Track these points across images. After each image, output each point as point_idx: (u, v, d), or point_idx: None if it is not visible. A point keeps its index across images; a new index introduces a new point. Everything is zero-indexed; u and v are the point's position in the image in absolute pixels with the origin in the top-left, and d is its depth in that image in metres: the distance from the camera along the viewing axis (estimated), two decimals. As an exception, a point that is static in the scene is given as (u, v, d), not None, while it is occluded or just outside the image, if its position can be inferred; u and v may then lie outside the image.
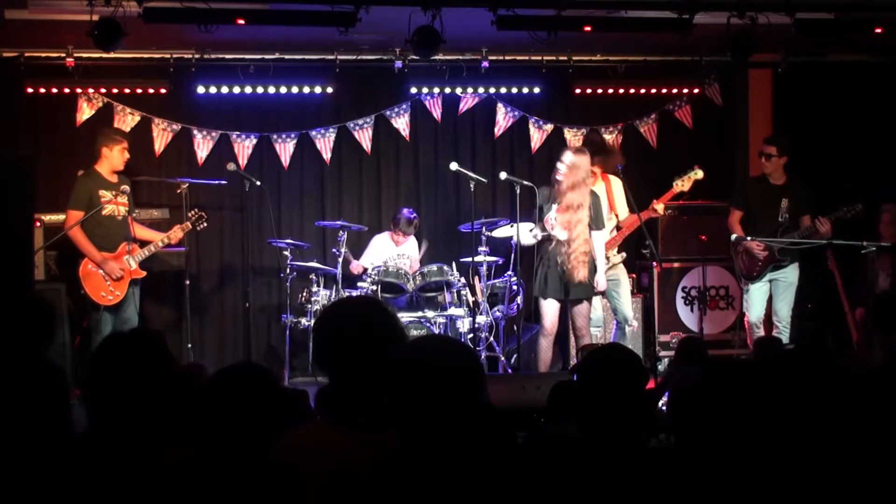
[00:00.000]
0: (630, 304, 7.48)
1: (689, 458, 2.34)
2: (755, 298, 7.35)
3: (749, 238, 7.19)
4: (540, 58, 8.02)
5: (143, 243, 7.18)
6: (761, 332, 7.35)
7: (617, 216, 7.40)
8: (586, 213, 6.71)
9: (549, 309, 6.78)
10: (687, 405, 2.41)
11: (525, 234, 6.84)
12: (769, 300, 7.39)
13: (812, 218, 7.14)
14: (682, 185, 7.38)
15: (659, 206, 7.34)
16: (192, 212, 7.32)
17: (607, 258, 7.11)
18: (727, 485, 2.29)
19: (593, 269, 6.79)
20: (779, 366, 2.52)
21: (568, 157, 6.75)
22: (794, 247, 7.15)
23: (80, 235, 6.92)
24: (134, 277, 7.08)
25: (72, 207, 6.96)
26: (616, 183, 7.48)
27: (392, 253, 8.01)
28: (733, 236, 7.32)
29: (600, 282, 6.85)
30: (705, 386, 2.41)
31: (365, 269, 7.78)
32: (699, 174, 7.36)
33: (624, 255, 7.43)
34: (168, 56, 7.66)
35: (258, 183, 7.58)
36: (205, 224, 7.38)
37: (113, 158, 7.10)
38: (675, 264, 8.25)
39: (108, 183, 7.08)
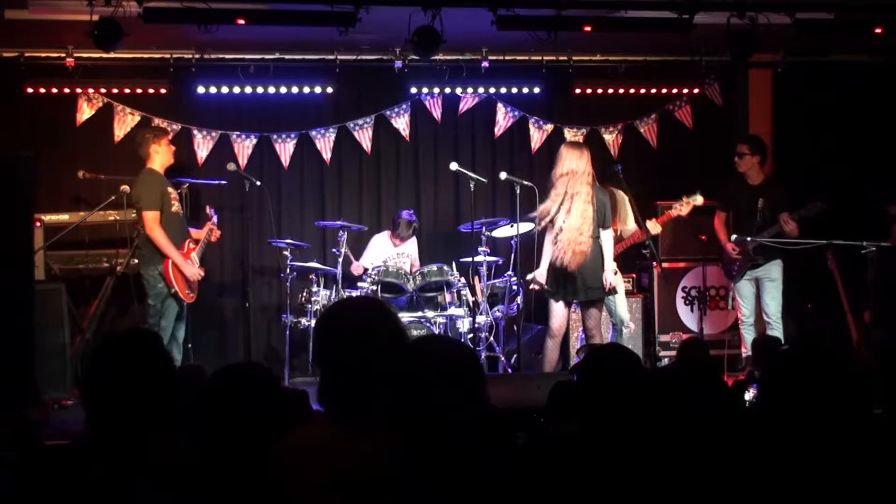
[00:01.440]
0: (626, 306, 7.48)
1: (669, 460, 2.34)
2: (743, 295, 7.50)
3: (749, 238, 7.26)
4: (540, 58, 8.02)
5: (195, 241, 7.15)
6: (753, 331, 7.41)
7: (616, 231, 7.36)
8: (583, 205, 6.61)
9: (559, 310, 6.75)
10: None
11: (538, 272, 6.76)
12: (759, 299, 7.50)
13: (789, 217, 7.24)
14: (681, 209, 7.33)
15: (654, 227, 7.27)
16: (209, 209, 7.35)
17: None
18: (723, 485, 2.29)
19: (601, 268, 6.70)
20: (775, 366, 2.52)
21: (563, 154, 6.70)
22: (787, 247, 7.21)
23: (164, 238, 6.72)
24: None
25: (148, 208, 6.68)
26: (620, 197, 7.46)
27: (392, 253, 8.01)
28: (733, 237, 7.38)
29: (609, 280, 6.79)
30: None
31: (365, 270, 7.78)
32: (699, 200, 7.31)
33: (615, 267, 7.37)
34: (168, 56, 7.67)
35: (258, 183, 7.58)
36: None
37: (163, 154, 6.91)
38: (676, 264, 8.26)
39: (167, 180, 6.94)
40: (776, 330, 7.31)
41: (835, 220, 7.31)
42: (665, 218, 7.41)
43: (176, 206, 6.93)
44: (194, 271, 6.92)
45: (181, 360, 6.96)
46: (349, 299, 3.08)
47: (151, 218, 6.70)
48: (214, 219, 7.27)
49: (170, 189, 6.89)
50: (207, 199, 8.11)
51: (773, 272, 7.39)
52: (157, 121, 7.98)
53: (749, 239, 7.27)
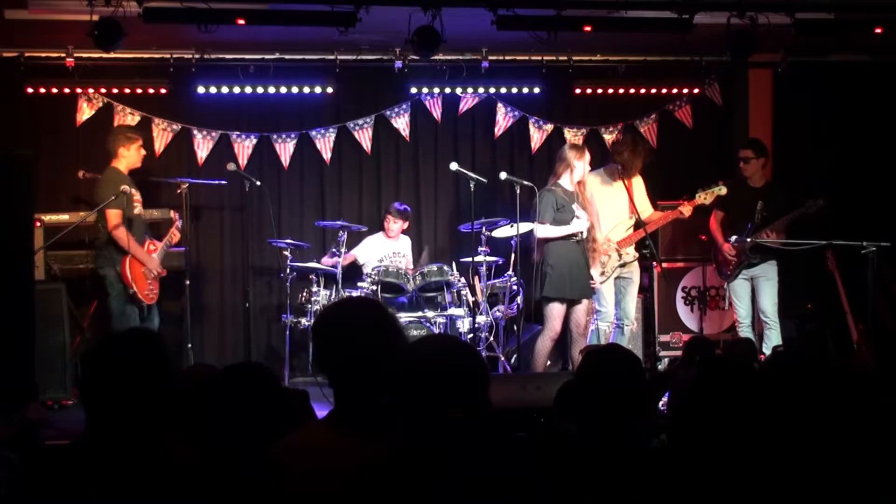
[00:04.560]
0: (635, 303, 7.52)
1: (684, 459, 2.34)
2: (738, 295, 7.51)
3: (748, 239, 7.28)
4: (540, 58, 8.02)
5: None
6: (751, 332, 7.41)
7: (639, 215, 7.34)
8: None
9: (559, 311, 6.77)
10: (684, 406, 2.41)
11: (580, 224, 6.84)
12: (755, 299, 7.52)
13: None
14: (706, 197, 7.36)
15: (686, 210, 7.32)
16: (173, 213, 7.38)
17: (620, 255, 7.20)
18: (723, 486, 2.29)
19: (588, 265, 6.93)
20: (772, 368, 2.52)
21: (580, 155, 6.86)
22: (787, 247, 7.23)
23: (126, 234, 6.83)
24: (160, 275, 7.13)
25: (111, 206, 6.76)
26: (637, 181, 7.47)
27: (387, 251, 8.02)
28: (732, 238, 7.38)
29: (595, 277, 6.95)
30: (702, 387, 2.41)
31: (354, 261, 7.84)
32: (723, 190, 7.37)
33: (636, 253, 7.41)
34: (168, 56, 7.67)
35: (258, 183, 7.58)
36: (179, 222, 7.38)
37: (130, 157, 7.04)
38: (676, 264, 8.26)
39: (130, 180, 7.02)
40: (774, 329, 7.35)
41: (835, 220, 7.31)
42: (693, 204, 7.35)
43: (139, 209, 7.00)
44: (156, 263, 7.00)
45: None
46: (347, 300, 3.07)
47: (115, 216, 6.78)
48: (178, 223, 7.30)
49: (133, 190, 6.95)
50: (207, 199, 8.12)
51: (769, 272, 7.40)
52: (157, 121, 7.99)
53: (748, 240, 7.27)
